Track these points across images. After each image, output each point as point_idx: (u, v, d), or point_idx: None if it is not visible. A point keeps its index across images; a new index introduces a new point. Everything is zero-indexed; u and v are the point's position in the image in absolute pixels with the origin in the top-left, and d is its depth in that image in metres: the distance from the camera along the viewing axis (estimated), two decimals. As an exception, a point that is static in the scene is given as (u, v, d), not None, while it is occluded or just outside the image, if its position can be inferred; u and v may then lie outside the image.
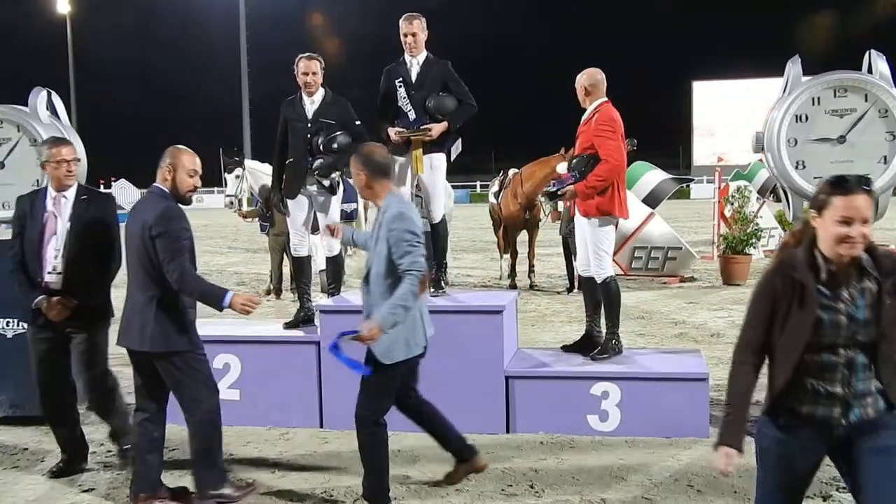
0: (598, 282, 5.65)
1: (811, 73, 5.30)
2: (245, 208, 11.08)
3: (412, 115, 5.85)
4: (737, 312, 9.57)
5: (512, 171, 12.00)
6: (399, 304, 3.82)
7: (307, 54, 6.02)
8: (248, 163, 11.03)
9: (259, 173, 10.52)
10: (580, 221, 5.65)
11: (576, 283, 10.52)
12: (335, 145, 5.89)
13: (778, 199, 13.75)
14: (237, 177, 10.72)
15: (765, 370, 2.98)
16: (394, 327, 3.88)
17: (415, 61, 5.89)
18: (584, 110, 5.67)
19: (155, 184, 4.26)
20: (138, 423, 4.28)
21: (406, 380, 4.28)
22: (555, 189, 5.62)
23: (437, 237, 6.15)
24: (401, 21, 5.87)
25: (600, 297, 5.73)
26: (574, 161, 5.59)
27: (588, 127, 5.54)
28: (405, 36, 5.85)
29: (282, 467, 4.87)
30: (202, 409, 4.20)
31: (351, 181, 12.37)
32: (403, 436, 5.34)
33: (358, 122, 6.03)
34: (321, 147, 5.90)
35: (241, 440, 5.37)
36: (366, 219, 11.83)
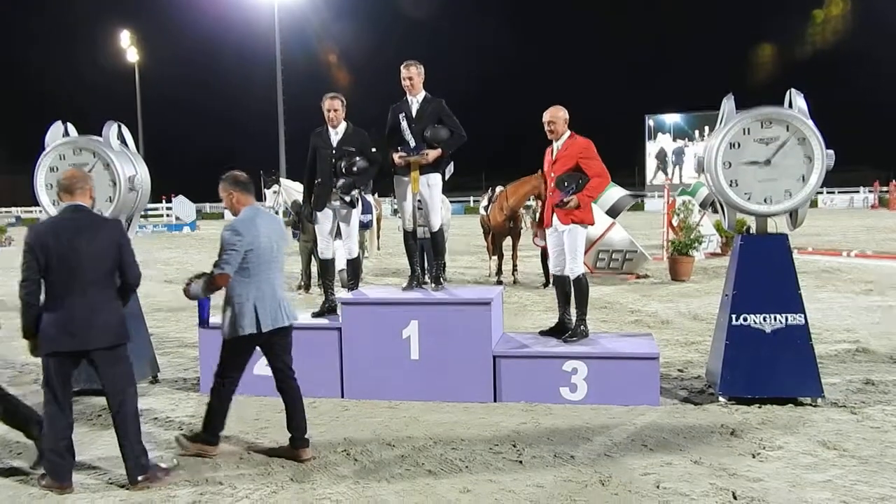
0: (573, 278, 5.67)
1: (743, 107, 5.30)
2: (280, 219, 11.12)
3: (412, 143, 5.86)
4: (682, 303, 9.57)
5: (499, 189, 12.02)
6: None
7: (332, 94, 6.03)
8: (283, 181, 11.07)
9: (291, 190, 10.58)
10: (560, 229, 5.66)
11: (550, 280, 10.50)
12: (355, 168, 5.92)
13: (715, 211, 13.78)
14: (275, 192, 10.79)
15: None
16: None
17: (415, 99, 5.90)
18: (549, 140, 5.70)
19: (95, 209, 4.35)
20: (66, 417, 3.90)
21: (271, 357, 4.43)
22: (564, 200, 5.56)
23: (435, 243, 6.15)
24: (402, 67, 5.88)
25: (570, 291, 5.75)
26: (565, 178, 5.57)
27: (570, 152, 5.58)
28: (404, 79, 5.85)
29: (310, 430, 4.84)
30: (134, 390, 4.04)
31: (367, 197, 12.33)
32: (410, 405, 5.35)
33: (374, 150, 6.05)
34: (343, 170, 5.92)
35: (275, 409, 5.33)
36: (378, 227, 11.84)
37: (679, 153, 58.95)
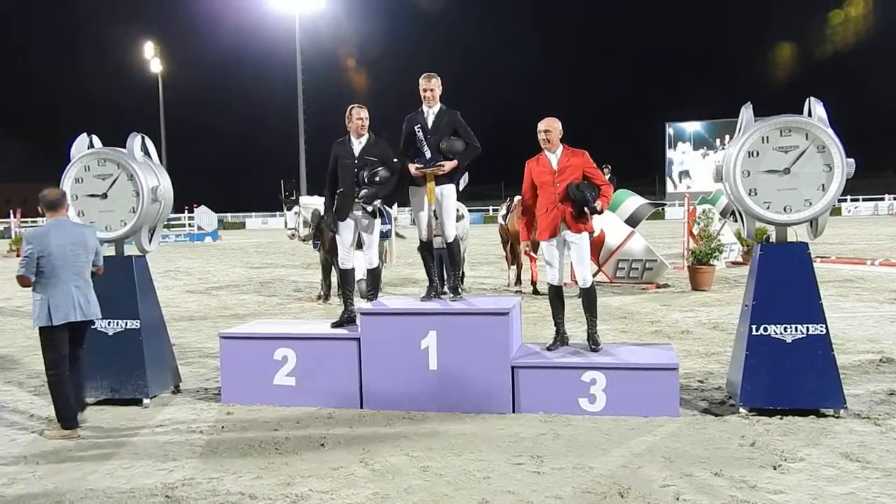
0: (588, 286, 5.69)
1: (762, 114, 5.27)
2: (302, 233, 11.28)
3: (428, 154, 5.88)
4: (703, 313, 9.49)
5: (517, 198, 11.99)
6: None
7: (358, 104, 6.11)
8: (302, 199, 11.30)
9: (310, 206, 10.80)
10: (571, 238, 5.66)
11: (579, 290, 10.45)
12: (377, 178, 5.96)
13: (736, 220, 13.69)
14: (295, 213, 11.01)
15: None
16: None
17: (431, 111, 5.93)
18: (536, 152, 5.75)
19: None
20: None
21: (69, 343, 5.11)
22: (598, 208, 5.58)
23: (451, 253, 6.15)
24: (421, 78, 5.93)
25: (584, 301, 5.81)
26: (582, 185, 5.59)
27: (574, 163, 5.62)
28: (424, 91, 5.90)
29: (328, 441, 4.88)
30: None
31: (387, 207, 12.37)
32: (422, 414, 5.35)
33: (395, 160, 6.09)
34: (366, 180, 5.96)
35: (295, 418, 5.39)
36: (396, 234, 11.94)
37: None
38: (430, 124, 5.92)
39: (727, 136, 57.00)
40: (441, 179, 5.91)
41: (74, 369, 5.19)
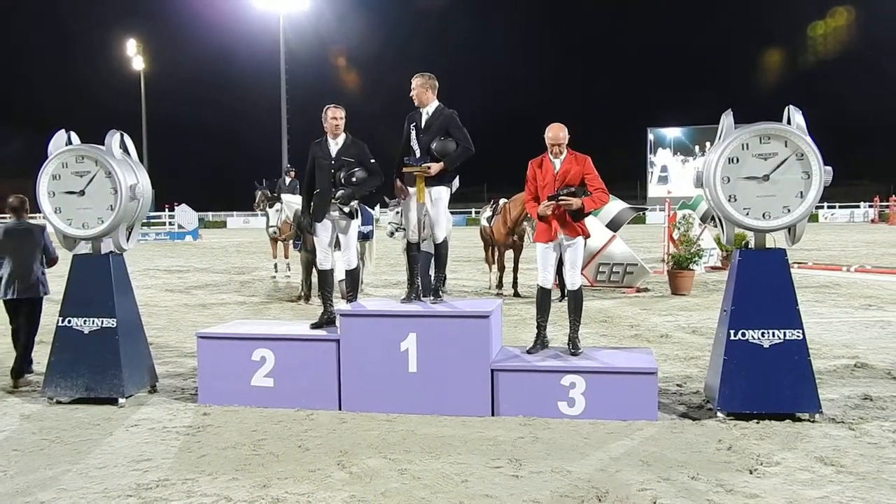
0: (575, 289, 5.72)
1: (742, 121, 5.31)
2: (281, 228, 11.21)
3: (418, 153, 5.88)
4: (682, 317, 9.55)
5: (503, 201, 11.98)
6: None
7: (334, 104, 6.08)
8: (285, 197, 11.25)
9: (293, 204, 10.73)
10: (567, 242, 5.67)
11: (564, 293, 10.46)
12: (354, 179, 5.96)
13: (716, 225, 13.81)
14: (277, 211, 10.96)
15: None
16: None
17: (426, 110, 5.91)
18: (543, 154, 5.73)
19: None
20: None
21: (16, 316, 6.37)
22: (563, 192, 5.53)
23: (438, 255, 6.14)
24: (412, 79, 5.92)
25: (572, 303, 5.81)
26: (566, 189, 5.58)
27: (576, 168, 5.63)
28: (412, 90, 5.89)
29: (306, 442, 4.84)
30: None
31: (368, 208, 12.31)
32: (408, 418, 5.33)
33: (373, 161, 6.08)
34: (343, 180, 5.95)
35: (273, 420, 5.34)
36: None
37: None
38: (423, 123, 5.91)
39: (707, 143, 57.69)
40: (432, 181, 5.86)
41: (19, 338, 6.37)
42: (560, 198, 5.55)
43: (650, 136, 67.76)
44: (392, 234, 10.49)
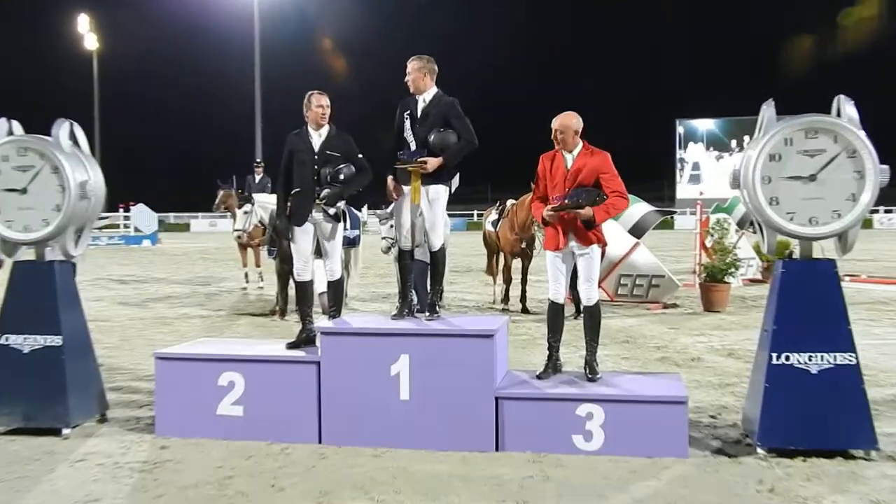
0: (592, 304, 5.72)
1: (786, 113, 5.31)
2: (252, 233, 11.17)
3: (413, 147, 5.89)
4: (716, 338, 9.55)
5: (510, 202, 11.97)
6: None
7: (318, 90, 6.09)
8: (257, 197, 11.16)
9: (267, 205, 10.63)
10: (579, 251, 5.66)
11: (580, 309, 10.44)
12: (341, 176, 5.97)
13: (754, 232, 13.80)
14: (246, 213, 10.87)
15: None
16: None
17: (422, 97, 5.92)
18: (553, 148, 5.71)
19: None
20: None
21: None
22: (567, 204, 5.50)
23: (435, 265, 6.14)
24: (408, 62, 5.94)
25: (561, 323, 5.84)
26: (577, 192, 5.56)
27: (590, 166, 5.59)
28: (407, 75, 5.91)
29: (281, 481, 4.82)
30: None
31: (354, 210, 12.32)
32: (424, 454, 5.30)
33: (360, 155, 6.10)
34: (328, 178, 5.95)
35: (243, 454, 5.32)
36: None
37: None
38: (419, 112, 5.91)
39: (745, 137, 57.81)
40: (428, 180, 5.86)
41: None
42: (563, 209, 5.52)
43: (679, 129, 68.05)
44: (387, 250, 10.45)
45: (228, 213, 15.09)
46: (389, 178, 6.01)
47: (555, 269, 5.78)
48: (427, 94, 5.92)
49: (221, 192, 14.88)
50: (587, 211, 5.51)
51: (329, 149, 6.03)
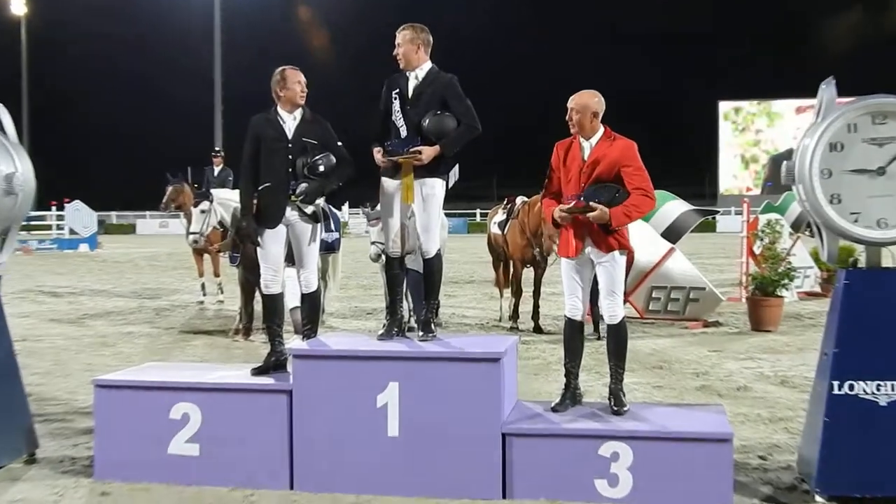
0: (615, 323, 5.70)
1: (848, 93, 5.32)
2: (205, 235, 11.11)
3: (403, 133, 5.86)
4: (766, 363, 9.55)
5: (520, 200, 11.92)
6: None
7: (291, 66, 6.09)
8: (217, 194, 11.08)
9: (229, 203, 10.56)
10: (598, 258, 5.64)
11: (598, 328, 10.47)
12: (321, 168, 5.96)
13: (812, 235, 13.79)
14: (203, 212, 10.78)
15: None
16: None
17: (414, 74, 5.91)
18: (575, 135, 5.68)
19: None
20: None
21: None
22: (581, 206, 5.47)
23: (430, 274, 6.12)
24: (397, 33, 5.94)
25: (580, 345, 5.83)
26: (593, 189, 5.53)
27: (611, 156, 5.57)
28: (397, 47, 5.91)
29: (245, 534, 4.81)
30: None
31: (332, 208, 12.31)
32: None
33: (340, 143, 6.10)
34: (306, 170, 5.94)
35: (199, 502, 5.31)
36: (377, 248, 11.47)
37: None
38: (410, 91, 5.90)
39: (799, 122, 57.97)
40: (422, 172, 5.85)
41: None
42: (578, 212, 5.50)
43: (721, 112, 68.15)
44: (378, 257, 10.39)
45: (181, 213, 15.08)
46: (375, 150, 5.92)
47: (571, 280, 5.76)
48: (420, 69, 5.92)
49: (171, 188, 14.84)
50: (601, 212, 5.48)
51: (305, 135, 6.03)
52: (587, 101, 5.62)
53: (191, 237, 11.31)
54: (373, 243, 10.37)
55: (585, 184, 5.58)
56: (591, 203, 5.47)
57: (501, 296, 12.77)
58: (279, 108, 6.08)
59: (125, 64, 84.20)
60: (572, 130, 5.67)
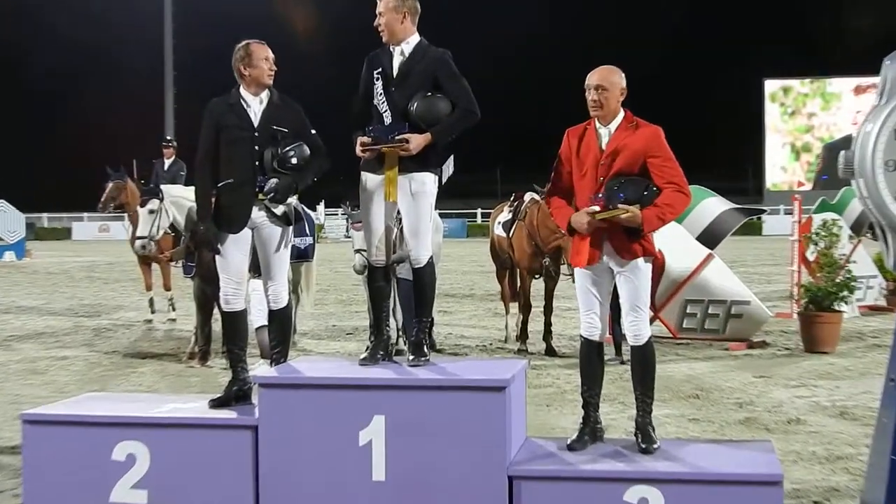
0: (640, 344, 5.69)
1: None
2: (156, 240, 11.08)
3: (388, 119, 5.86)
4: (822, 390, 9.56)
5: (528, 197, 11.88)
6: None
7: (257, 40, 6.10)
8: (168, 190, 11.05)
9: (183, 201, 10.54)
10: (618, 267, 5.63)
11: (620, 350, 10.46)
12: (294, 160, 5.95)
13: (877, 238, 13.82)
14: (151, 212, 10.75)
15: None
16: None
17: (399, 49, 5.91)
18: (589, 121, 5.68)
19: None
20: None
21: None
22: (607, 206, 5.42)
23: (421, 286, 6.10)
24: None
25: (599, 370, 5.85)
26: (616, 185, 5.51)
27: (633, 144, 5.53)
28: (378, 17, 5.90)
29: None
30: None
31: (305, 208, 12.37)
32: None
33: (314, 132, 6.10)
34: (275, 163, 5.94)
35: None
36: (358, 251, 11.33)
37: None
38: (395, 69, 5.90)
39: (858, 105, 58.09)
40: (411, 165, 5.85)
41: None
42: (611, 215, 5.43)
43: (768, 92, 68.31)
44: (363, 268, 10.35)
45: (125, 215, 15.08)
46: (357, 138, 5.90)
47: (587, 294, 5.75)
48: (406, 43, 5.92)
49: (111, 184, 14.78)
50: (633, 214, 5.46)
51: (274, 121, 6.03)
52: (615, 78, 5.59)
53: (138, 243, 11.28)
54: (357, 251, 9.97)
55: (605, 179, 5.55)
56: (619, 205, 5.44)
57: (507, 311, 12.76)
58: (243, 90, 6.08)
59: (58, 37, 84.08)
60: (594, 113, 5.61)
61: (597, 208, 5.49)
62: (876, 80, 5.45)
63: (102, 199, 14.93)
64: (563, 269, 11.39)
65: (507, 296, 12.69)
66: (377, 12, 5.91)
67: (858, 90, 62.56)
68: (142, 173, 15.39)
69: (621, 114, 5.63)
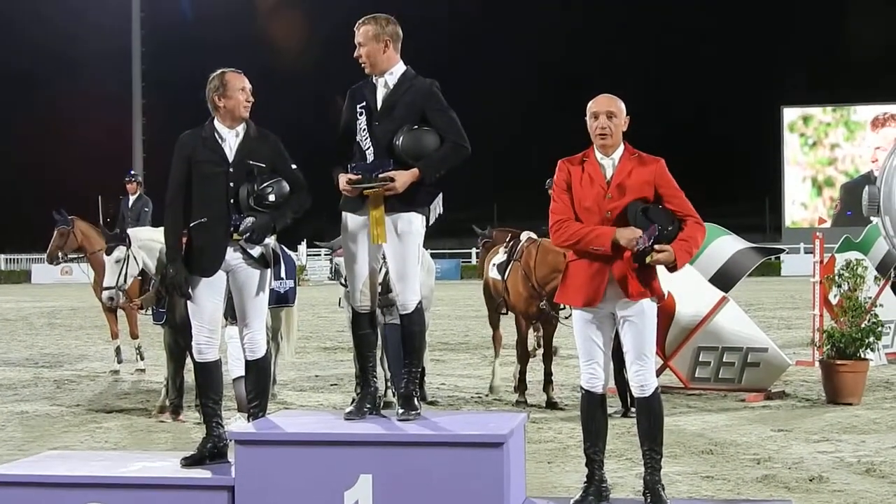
0: (646, 395, 5.71)
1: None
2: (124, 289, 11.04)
3: (371, 156, 5.91)
4: (847, 445, 9.54)
5: (525, 236, 11.95)
6: None
7: (234, 69, 6.14)
8: (136, 233, 11.01)
9: (153, 244, 10.53)
10: (623, 311, 5.64)
11: (629, 402, 10.45)
12: (271, 197, 5.97)
13: (904, 280, 13.87)
14: (118, 261, 10.72)
15: None
16: None
17: (383, 80, 5.97)
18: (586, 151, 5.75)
19: None
20: None
21: None
22: (648, 247, 5.43)
23: (409, 334, 6.13)
24: (356, 27, 5.97)
25: (602, 424, 5.87)
26: (654, 210, 5.54)
27: (640, 175, 5.61)
28: (357, 47, 5.95)
29: None
30: None
31: (286, 249, 12.37)
32: None
33: (294, 167, 6.13)
34: (251, 200, 5.96)
35: None
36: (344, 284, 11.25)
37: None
38: (379, 102, 5.95)
39: (885, 135, 58.32)
40: (397, 205, 5.90)
41: None
42: (650, 249, 5.42)
43: (786, 121, 68.59)
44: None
45: (84, 258, 15.07)
46: (339, 176, 5.93)
47: (587, 341, 5.76)
48: (391, 74, 5.98)
49: (56, 232, 14.75)
50: (670, 252, 5.47)
51: (250, 156, 6.06)
52: (621, 105, 5.69)
53: (105, 294, 11.20)
54: (343, 282, 9.94)
55: (613, 211, 5.60)
56: (650, 246, 5.44)
57: (497, 355, 12.70)
58: (217, 123, 6.11)
59: (22, 57, 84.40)
60: (601, 142, 5.67)
61: (643, 245, 5.45)
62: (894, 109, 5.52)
63: (48, 251, 14.95)
64: (563, 312, 11.39)
65: (498, 340, 12.67)
66: (356, 42, 5.95)
67: (875, 124, 61.58)
68: (107, 211, 15.38)
69: (622, 146, 5.71)
